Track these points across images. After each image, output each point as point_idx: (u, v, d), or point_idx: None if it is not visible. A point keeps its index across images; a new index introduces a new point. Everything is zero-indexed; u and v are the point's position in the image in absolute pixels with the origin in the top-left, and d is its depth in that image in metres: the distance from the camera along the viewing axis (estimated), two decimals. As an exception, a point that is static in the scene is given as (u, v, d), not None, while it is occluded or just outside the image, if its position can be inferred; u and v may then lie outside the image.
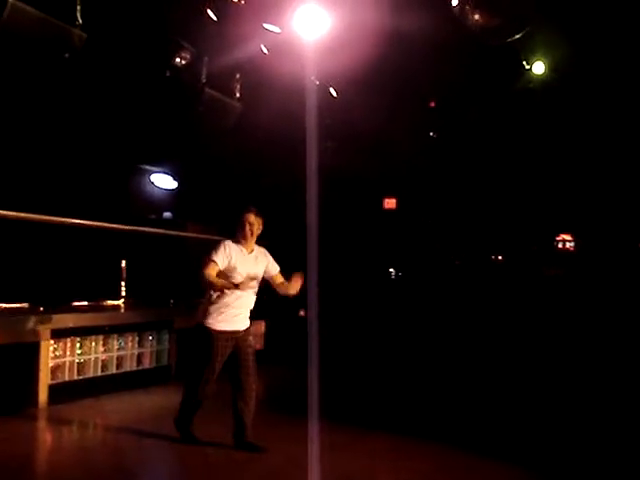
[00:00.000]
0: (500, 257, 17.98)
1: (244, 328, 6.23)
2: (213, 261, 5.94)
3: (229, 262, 6.01)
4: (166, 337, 9.64)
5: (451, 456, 6.44)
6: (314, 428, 7.01)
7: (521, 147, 14.61)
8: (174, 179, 13.09)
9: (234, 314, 6.11)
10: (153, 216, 12.79)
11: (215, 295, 6.03)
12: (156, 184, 13.05)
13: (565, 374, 10.80)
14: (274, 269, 6.43)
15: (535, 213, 16.27)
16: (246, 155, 12.05)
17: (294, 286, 6.37)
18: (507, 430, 7.45)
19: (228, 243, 6.09)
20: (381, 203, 15.06)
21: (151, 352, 9.34)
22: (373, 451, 6.49)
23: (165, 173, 12.99)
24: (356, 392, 9.50)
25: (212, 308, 6.03)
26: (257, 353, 11.30)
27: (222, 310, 6.04)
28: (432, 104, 13.51)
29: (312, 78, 10.80)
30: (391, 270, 16.84)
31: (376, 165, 13.50)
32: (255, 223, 6.19)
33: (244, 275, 6.04)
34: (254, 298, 6.33)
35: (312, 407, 6.37)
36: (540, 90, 12.46)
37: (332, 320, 13.15)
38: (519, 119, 13.68)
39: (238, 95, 10.52)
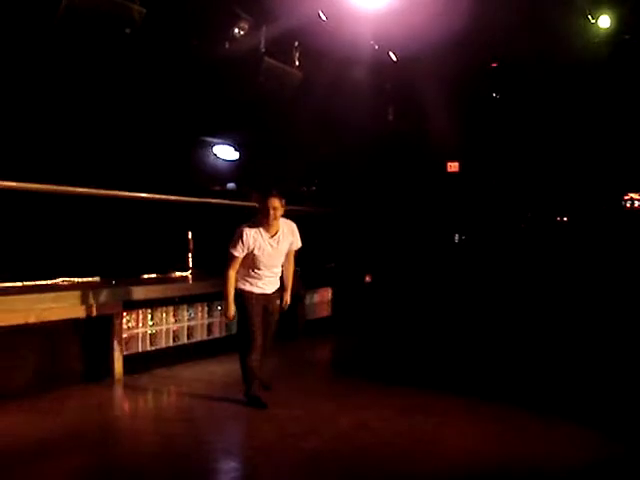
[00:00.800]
0: (565, 218, 17.61)
1: (271, 291, 6.80)
2: (235, 257, 6.53)
3: (248, 249, 6.51)
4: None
5: (517, 417, 6.43)
6: (382, 393, 7.11)
7: (586, 105, 14.22)
8: (236, 150, 13.16)
9: (260, 283, 6.69)
10: (217, 187, 12.91)
11: (244, 270, 6.61)
12: (219, 155, 13.14)
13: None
14: (294, 246, 6.95)
15: (602, 172, 15.85)
16: (307, 123, 12.01)
17: (287, 286, 7.03)
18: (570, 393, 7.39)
19: (246, 231, 6.52)
20: (444, 166, 14.86)
21: (220, 321, 9.47)
22: (445, 412, 6.50)
23: (227, 144, 13.06)
24: (422, 357, 9.49)
25: (243, 277, 6.64)
26: (324, 320, 11.58)
27: (249, 280, 6.65)
28: (494, 65, 13.26)
29: (371, 42, 10.73)
30: (455, 234, 16.68)
31: (439, 128, 13.32)
32: (279, 207, 6.54)
33: (264, 257, 6.55)
34: (279, 271, 6.87)
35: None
36: (606, 45, 12.11)
37: (397, 286, 13.16)
38: (584, 76, 13.31)
39: (297, 63, 10.48)
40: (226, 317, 6.74)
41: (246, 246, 6.45)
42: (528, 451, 5.50)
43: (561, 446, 5.62)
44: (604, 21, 12.02)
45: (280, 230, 6.64)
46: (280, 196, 6.56)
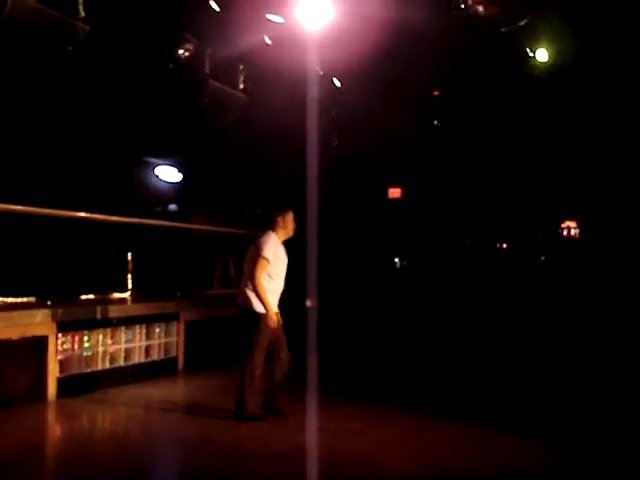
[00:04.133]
0: (505, 245, 17.96)
1: (277, 310, 6.83)
2: (266, 259, 6.55)
3: (274, 255, 6.64)
4: (174, 329, 9.66)
5: (452, 427, 6.63)
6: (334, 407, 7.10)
7: (525, 135, 14.57)
8: (179, 171, 13.09)
9: (276, 299, 6.74)
10: (159, 209, 12.81)
11: (265, 284, 6.57)
12: (161, 177, 13.05)
13: (567, 363, 10.78)
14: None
15: (539, 200, 16.23)
16: (251, 147, 12.04)
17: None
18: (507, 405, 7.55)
19: (274, 237, 6.73)
20: (386, 193, 15.03)
21: (159, 344, 9.35)
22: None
23: (170, 165, 12.99)
24: (360, 376, 9.52)
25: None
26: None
27: (269, 295, 6.60)
28: (436, 93, 13.49)
29: (316, 68, 10.81)
30: (396, 260, 16.83)
31: (380, 155, 13.47)
32: (292, 220, 6.93)
33: (283, 264, 6.74)
34: None
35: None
36: (544, 77, 12.43)
37: (336, 310, 13.18)
38: (523, 107, 13.64)
39: (242, 86, 10.50)
40: (271, 326, 6.57)
41: (274, 251, 6.61)
42: (465, 458, 5.75)
43: (499, 454, 5.85)
44: (542, 55, 12.33)
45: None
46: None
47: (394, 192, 14.64)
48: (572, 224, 18.32)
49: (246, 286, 6.68)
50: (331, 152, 14.03)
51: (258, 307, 6.57)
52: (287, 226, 6.85)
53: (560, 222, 18.18)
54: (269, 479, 5.31)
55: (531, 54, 12.08)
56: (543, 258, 17.38)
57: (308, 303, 12.78)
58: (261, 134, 11.78)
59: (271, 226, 6.82)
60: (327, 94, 11.08)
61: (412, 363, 10.74)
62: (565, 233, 18.37)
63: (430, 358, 11.08)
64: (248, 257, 6.79)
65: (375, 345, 11.97)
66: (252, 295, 6.61)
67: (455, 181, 15.39)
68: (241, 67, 10.45)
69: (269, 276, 6.60)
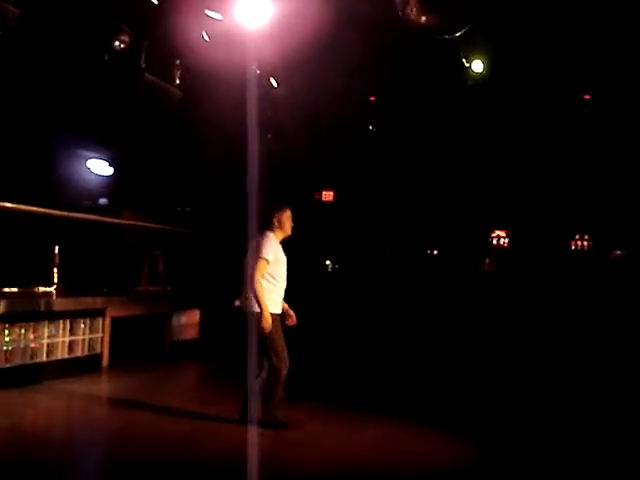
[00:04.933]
0: (435, 252, 18.21)
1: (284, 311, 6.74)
2: (265, 259, 6.42)
3: (275, 256, 6.51)
4: (99, 325, 9.48)
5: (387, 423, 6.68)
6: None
7: (458, 143, 14.82)
8: (111, 165, 12.87)
9: (278, 299, 6.62)
10: (88, 202, 12.56)
11: (268, 285, 6.43)
12: (92, 170, 12.81)
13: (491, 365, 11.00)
14: None
15: (470, 209, 16.52)
16: (185, 143, 11.92)
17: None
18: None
19: (272, 236, 6.59)
20: (319, 195, 15.08)
21: (83, 340, 9.17)
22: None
23: (102, 159, 12.77)
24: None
25: (266, 296, 6.41)
26: (192, 342, 11.42)
27: (273, 297, 6.49)
28: (372, 98, 13.60)
29: (253, 67, 10.76)
30: (327, 262, 16.90)
31: (314, 158, 13.51)
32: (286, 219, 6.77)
33: (284, 264, 6.61)
34: None
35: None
36: (478, 87, 12.66)
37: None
38: (458, 115, 13.87)
39: (178, 82, 10.39)
40: (264, 329, 6.36)
41: (274, 251, 6.48)
42: (398, 453, 5.89)
43: (428, 449, 6.08)
44: (477, 66, 12.56)
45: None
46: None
47: (327, 195, 14.69)
48: (502, 233, 18.69)
49: (249, 291, 6.54)
50: (266, 153, 14.01)
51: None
52: (284, 225, 6.73)
53: (490, 231, 18.52)
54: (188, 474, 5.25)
55: (467, 64, 12.29)
56: (471, 265, 17.68)
57: (236, 303, 12.76)
58: (196, 131, 11.67)
59: (268, 226, 6.70)
60: (263, 94, 11.04)
61: (340, 362, 10.79)
62: (495, 242, 18.72)
63: (359, 357, 11.15)
64: (249, 259, 6.63)
65: (305, 345, 11.94)
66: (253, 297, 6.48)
67: (388, 186, 15.53)
68: (177, 62, 10.33)
69: (272, 277, 6.49)
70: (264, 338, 6.39)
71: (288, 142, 13.34)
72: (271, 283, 6.47)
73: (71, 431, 6.50)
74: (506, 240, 18.39)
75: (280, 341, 6.51)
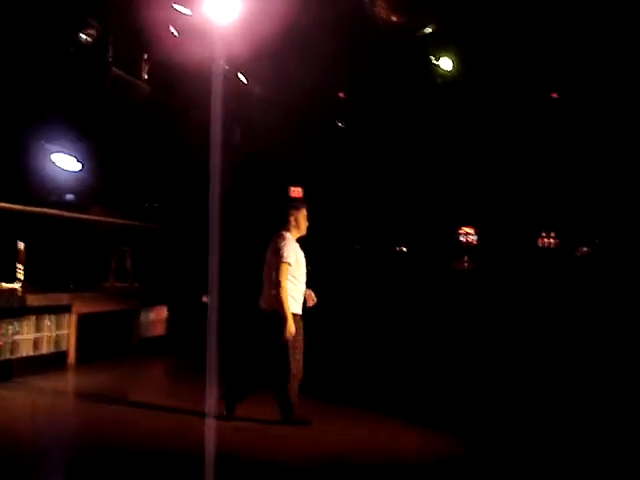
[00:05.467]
0: (404, 249, 18.30)
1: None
2: (288, 263, 6.31)
3: (296, 258, 6.41)
4: (65, 322, 9.39)
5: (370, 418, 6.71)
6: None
7: (426, 140, 14.89)
8: (78, 161, 12.71)
9: (300, 299, 6.53)
10: (55, 198, 12.40)
11: (289, 285, 6.34)
12: (58, 165, 12.63)
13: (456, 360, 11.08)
14: None
15: (439, 206, 16.63)
16: (154, 138, 11.83)
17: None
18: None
19: (289, 237, 6.47)
20: (287, 191, 15.03)
21: (49, 337, 9.07)
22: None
23: (68, 154, 12.60)
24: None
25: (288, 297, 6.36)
26: (159, 339, 11.36)
27: (295, 297, 6.40)
28: (341, 95, 13.61)
29: (221, 62, 10.72)
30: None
31: (283, 153, 13.49)
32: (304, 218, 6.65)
33: (303, 264, 6.50)
34: None
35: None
36: (447, 85, 12.75)
37: (235, 308, 13.11)
38: (426, 112, 13.95)
39: (146, 76, 10.30)
40: (287, 335, 6.26)
41: (295, 252, 6.38)
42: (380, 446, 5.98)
43: (409, 444, 6.14)
44: (446, 63, 12.64)
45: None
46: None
47: (295, 191, 14.64)
48: (470, 230, 18.84)
49: (271, 290, 6.45)
50: (234, 149, 13.97)
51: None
52: (301, 224, 6.60)
53: (457, 228, 18.67)
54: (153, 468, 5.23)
55: (435, 62, 12.36)
56: (442, 262, 17.80)
57: (204, 299, 12.70)
58: (164, 126, 11.59)
59: (284, 226, 6.59)
60: (232, 89, 11.00)
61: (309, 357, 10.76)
62: (463, 239, 18.87)
63: (331, 354, 11.16)
64: (269, 261, 6.55)
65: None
66: (274, 297, 6.41)
67: (357, 183, 15.56)
68: (145, 56, 10.23)
69: (293, 278, 6.40)
70: (284, 341, 6.33)
71: (257, 137, 13.31)
72: (292, 283, 6.39)
73: (38, 426, 6.45)
74: (474, 237, 18.56)
75: (299, 344, 6.45)
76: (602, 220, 16.32)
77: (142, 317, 11.01)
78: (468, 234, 18.86)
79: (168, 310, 11.74)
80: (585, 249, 18.05)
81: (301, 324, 6.53)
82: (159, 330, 11.55)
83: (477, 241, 18.58)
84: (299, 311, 6.51)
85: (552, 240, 18.23)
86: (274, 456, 5.62)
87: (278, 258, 6.33)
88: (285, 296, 6.26)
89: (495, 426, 6.96)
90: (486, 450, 6.09)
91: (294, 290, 6.43)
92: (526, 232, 17.43)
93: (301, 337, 6.48)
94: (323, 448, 5.93)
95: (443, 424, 6.84)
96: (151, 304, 11.34)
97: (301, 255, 6.53)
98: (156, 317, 11.48)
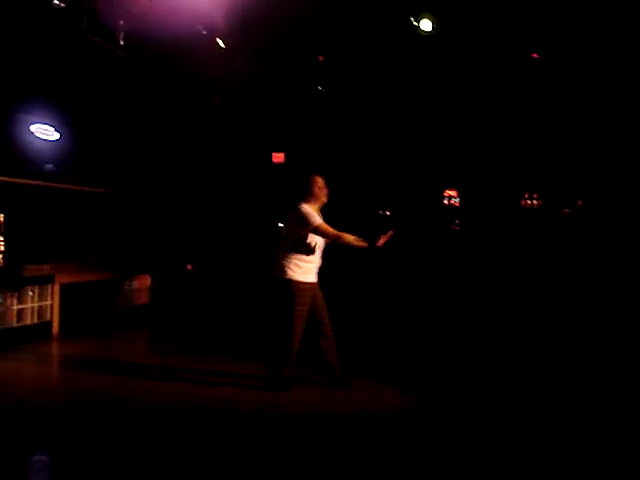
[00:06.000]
0: (387, 212, 18.28)
1: (316, 280, 6.70)
2: (321, 223, 6.48)
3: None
4: (48, 292, 9.36)
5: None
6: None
7: (408, 103, 14.82)
8: (56, 130, 12.58)
9: (314, 268, 6.64)
10: (34, 168, 12.29)
11: (303, 253, 6.50)
12: (37, 135, 12.50)
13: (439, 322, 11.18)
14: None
15: (422, 169, 16.61)
16: (132, 105, 11.71)
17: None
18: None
19: (307, 207, 6.55)
20: (270, 157, 14.97)
21: (32, 308, 9.05)
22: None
23: (47, 124, 12.46)
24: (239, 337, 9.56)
25: (298, 264, 6.51)
26: (143, 307, 11.36)
27: (305, 265, 6.52)
28: (321, 58, 13.48)
29: (199, 27, 10.62)
30: (281, 225, 16.85)
31: (264, 119, 13.42)
32: (324, 187, 6.71)
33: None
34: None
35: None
36: (427, 46, 12.66)
37: (219, 275, 13.14)
38: (408, 75, 13.86)
39: (122, 43, 10.17)
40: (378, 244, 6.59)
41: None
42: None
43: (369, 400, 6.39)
44: (426, 24, 12.51)
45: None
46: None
47: (278, 157, 14.58)
48: (453, 193, 18.84)
49: (282, 257, 6.56)
50: (215, 115, 13.88)
51: (295, 276, 6.48)
52: (317, 194, 6.68)
53: (442, 191, 18.66)
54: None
55: (415, 23, 12.24)
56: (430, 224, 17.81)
57: (188, 267, 12.72)
58: (142, 93, 11.47)
59: (303, 198, 6.68)
60: (210, 55, 10.89)
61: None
62: (446, 202, 18.88)
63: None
64: (289, 233, 6.62)
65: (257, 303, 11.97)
66: (288, 264, 6.51)
67: (340, 147, 15.51)
68: (121, 22, 10.08)
69: (306, 252, 6.55)
70: (292, 304, 6.46)
71: (237, 104, 13.21)
72: (306, 252, 6.53)
73: (25, 394, 6.45)
74: (457, 200, 18.57)
75: (305, 313, 6.54)
76: (584, 182, 16.36)
77: (125, 286, 10.98)
78: (451, 197, 18.86)
79: (151, 279, 11.71)
80: (568, 210, 18.11)
81: (318, 293, 6.68)
82: (142, 299, 11.53)
83: (460, 203, 18.59)
84: (312, 280, 6.61)
85: (535, 202, 18.27)
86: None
87: (306, 227, 6.46)
88: (343, 235, 6.47)
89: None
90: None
91: (308, 259, 6.53)
92: (509, 194, 17.45)
93: (307, 307, 6.55)
94: (303, 409, 6.13)
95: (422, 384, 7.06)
96: (134, 273, 11.31)
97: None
98: (139, 286, 11.45)
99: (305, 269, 6.53)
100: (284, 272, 6.50)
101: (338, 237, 6.47)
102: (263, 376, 6.69)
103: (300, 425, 5.66)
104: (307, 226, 6.45)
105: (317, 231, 6.47)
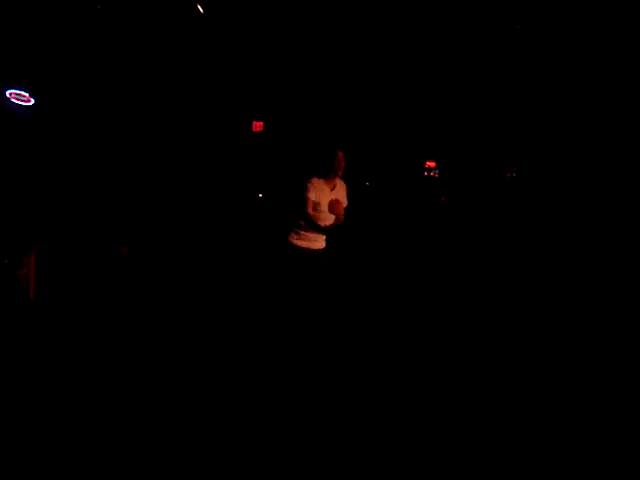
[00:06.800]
0: (367, 183, 18.34)
1: (321, 247, 6.84)
2: (308, 198, 6.55)
3: (315, 197, 6.57)
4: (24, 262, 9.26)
5: None
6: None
7: (389, 74, 14.77)
8: (31, 95, 12.43)
9: (313, 237, 6.73)
10: (9, 133, 12.17)
11: (297, 221, 6.68)
12: (12, 99, 12.35)
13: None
14: (344, 204, 6.96)
15: (403, 141, 16.62)
16: (108, 73, 11.57)
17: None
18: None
19: (312, 180, 6.58)
20: (250, 126, 14.88)
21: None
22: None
23: (21, 89, 12.31)
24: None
25: (295, 229, 6.66)
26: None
27: (302, 232, 6.68)
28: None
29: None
30: (260, 195, 16.84)
31: (244, 89, 13.31)
32: (342, 161, 6.69)
33: (325, 207, 6.66)
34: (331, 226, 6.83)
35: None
36: (414, 19, 12.59)
37: (201, 242, 13.06)
38: (387, 49, 13.80)
39: (99, 6, 10.04)
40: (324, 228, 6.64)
41: (313, 192, 6.55)
42: None
43: None
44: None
45: (338, 185, 6.71)
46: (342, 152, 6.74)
47: (257, 126, 14.51)
48: (432, 165, 18.91)
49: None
50: (196, 86, 13.75)
51: (290, 238, 6.70)
52: (327, 165, 6.63)
53: (422, 163, 18.72)
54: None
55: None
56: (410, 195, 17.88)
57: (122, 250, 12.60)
58: (118, 59, 11.33)
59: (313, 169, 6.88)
60: (189, 22, 10.77)
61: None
62: (426, 173, 18.95)
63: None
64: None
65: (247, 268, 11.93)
66: (282, 228, 6.81)
67: (322, 118, 15.46)
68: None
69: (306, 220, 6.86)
70: (281, 271, 6.71)
71: (215, 75, 13.09)
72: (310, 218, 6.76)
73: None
74: (436, 171, 18.65)
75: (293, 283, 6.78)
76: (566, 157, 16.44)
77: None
78: (431, 169, 18.94)
79: (128, 249, 11.61)
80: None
81: (302, 261, 6.79)
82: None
83: (438, 174, 18.69)
84: (305, 245, 6.77)
85: (514, 174, 18.38)
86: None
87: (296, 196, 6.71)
88: (312, 219, 6.58)
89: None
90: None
91: (302, 226, 6.68)
92: (487, 166, 17.53)
93: (300, 270, 6.74)
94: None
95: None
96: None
97: (322, 198, 6.69)
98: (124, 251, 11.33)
99: (305, 235, 6.76)
100: (281, 235, 6.89)
101: (308, 216, 6.60)
102: None
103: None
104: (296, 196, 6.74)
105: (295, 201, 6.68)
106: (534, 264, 12.74)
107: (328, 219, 6.81)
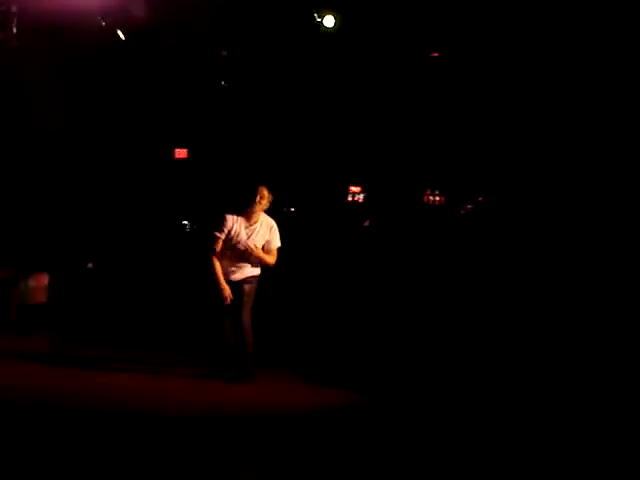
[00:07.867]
0: (292, 209, 18.28)
1: (241, 278, 6.91)
2: (218, 237, 6.79)
3: (230, 233, 6.75)
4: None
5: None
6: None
7: (311, 99, 14.86)
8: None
9: (231, 270, 6.90)
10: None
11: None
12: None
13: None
14: (273, 245, 7.03)
15: (325, 165, 16.68)
16: (23, 96, 11.29)
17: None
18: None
19: (231, 217, 6.79)
20: (172, 153, 14.71)
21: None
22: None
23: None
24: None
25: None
26: (40, 308, 10.93)
27: (223, 265, 6.88)
28: (224, 53, 13.37)
29: (98, 19, 10.37)
30: (185, 222, 16.60)
31: (167, 115, 13.19)
32: (265, 197, 6.83)
33: (242, 243, 6.79)
34: (254, 261, 6.98)
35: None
36: (330, 43, 12.73)
37: (123, 273, 12.82)
38: (309, 70, 13.90)
39: (15, 31, 9.81)
40: (224, 302, 6.80)
41: (228, 228, 6.73)
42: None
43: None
44: (329, 21, 12.58)
45: (259, 222, 6.81)
46: (268, 189, 6.94)
47: (180, 153, 14.37)
48: (357, 189, 19.00)
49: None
50: (115, 111, 13.55)
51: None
52: (252, 201, 6.94)
53: (346, 187, 18.78)
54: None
55: (319, 20, 12.29)
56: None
57: (89, 265, 12.34)
58: (34, 84, 11.05)
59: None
60: (108, 47, 10.63)
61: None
62: (350, 198, 19.02)
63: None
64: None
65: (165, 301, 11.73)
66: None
67: (243, 143, 15.40)
68: (14, 9, 9.69)
69: (225, 256, 7.06)
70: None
71: (138, 100, 12.95)
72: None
73: None
74: (361, 196, 18.72)
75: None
76: (486, 179, 16.75)
77: (21, 286, 10.55)
78: (355, 193, 19.01)
79: (50, 277, 11.28)
80: (470, 206, 18.48)
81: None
82: (40, 298, 11.07)
83: (363, 199, 18.76)
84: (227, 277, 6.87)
85: (437, 198, 18.58)
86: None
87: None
88: (211, 264, 6.82)
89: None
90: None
91: (222, 261, 6.85)
92: (411, 190, 17.71)
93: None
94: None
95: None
96: (31, 270, 10.87)
97: (239, 234, 6.79)
98: (37, 284, 10.99)
99: (225, 268, 6.92)
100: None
101: (209, 258, 6.91)
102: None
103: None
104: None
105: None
106: (461, 287, 12.91)
107: (243, 258, 6.80)
